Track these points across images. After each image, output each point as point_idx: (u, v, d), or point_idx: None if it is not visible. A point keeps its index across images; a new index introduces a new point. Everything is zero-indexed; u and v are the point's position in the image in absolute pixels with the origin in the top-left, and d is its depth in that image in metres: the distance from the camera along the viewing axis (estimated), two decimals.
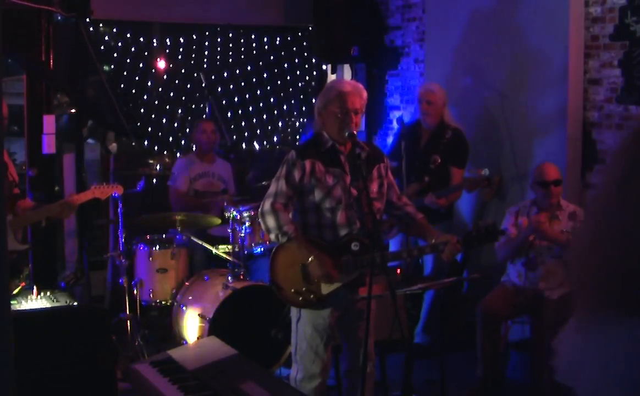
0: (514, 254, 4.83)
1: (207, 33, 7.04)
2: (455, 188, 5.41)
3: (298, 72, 7.54)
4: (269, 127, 7.48)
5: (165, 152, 7.06)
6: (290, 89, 7.51)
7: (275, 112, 7.49)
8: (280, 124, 7.52)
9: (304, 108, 7.56)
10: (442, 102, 5.54)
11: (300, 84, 7.55)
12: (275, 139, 7.52)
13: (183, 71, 6.93)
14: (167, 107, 6.94)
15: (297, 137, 7.57)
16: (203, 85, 6.74)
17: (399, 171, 5.46)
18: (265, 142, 7.48)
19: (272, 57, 7.37)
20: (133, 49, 6.67)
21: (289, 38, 7.45)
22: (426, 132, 5.58)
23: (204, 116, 6.82)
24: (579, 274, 1.75)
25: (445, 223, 5.40)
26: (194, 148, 6.42)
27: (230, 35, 7.14)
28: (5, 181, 4.52)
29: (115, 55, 6.60)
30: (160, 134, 6.93)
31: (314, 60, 7.52)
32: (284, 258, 3.66)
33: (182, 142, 7.02)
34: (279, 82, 7.44)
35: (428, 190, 5.33)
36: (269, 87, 7.41)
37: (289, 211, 3.65)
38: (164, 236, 5.59)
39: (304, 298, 3.63)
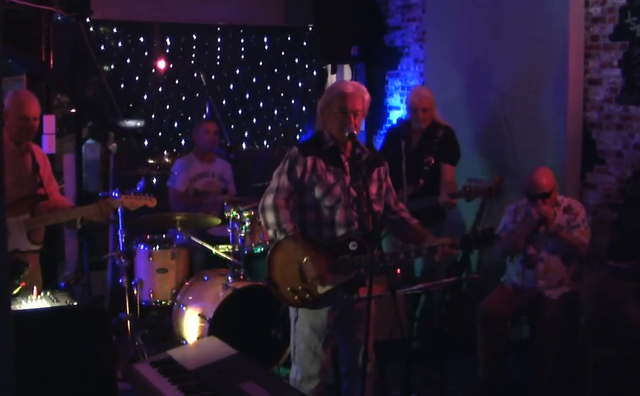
0: (515, 247, 4.79)
1: (207, 33, 7.04)
2: (463, 193, 5.23)
3: (298, 72, 7.54)
4: (269, 127, 7.49)
5: (165, 152, 7.06)
6: (290, 89, 7.51)
7: (275, 112, 7.49)
8: (280, 124, 7.52)
9: (304, 108, 7.57)
10: (434, 104, 5.46)
11: (300, 84, 7.56)
12: (275, 139, 7.52)
13: (183, 70, 6.93)
14: (167, 107, 6.94)
15: (297, 137, 7.57)
16: (203, 85, 6.74)
17: (397, 172, 5.40)
18: (265, 142, 7.48)
19: (272, 57, 7.37)
20: (133, 49, 6.67)
21: (289, 38, 7.45)
22: (417, 133, 5.46)
23: (204, 116, 6.82)
24: None
25: (438, 225, 5.30)
26: (193, 148, 6.42)
27: (230, 35, 7.14)
28: (26, 181, 4.49)
29: (115, 55, 6.60)
30: (160, 134, 6.93)
31: (314, 61, 7.52)
32: (282, 256, 3.64)
33: (182, 142, 7.03)
34: (279, 82, 7.44)
35: (423, 193, 5.25)
36: (269, 87, 7.41)
37: (290, 208, 3.64)
38: (164, 236, 5.59)
39: (300, 297, 3.61)
